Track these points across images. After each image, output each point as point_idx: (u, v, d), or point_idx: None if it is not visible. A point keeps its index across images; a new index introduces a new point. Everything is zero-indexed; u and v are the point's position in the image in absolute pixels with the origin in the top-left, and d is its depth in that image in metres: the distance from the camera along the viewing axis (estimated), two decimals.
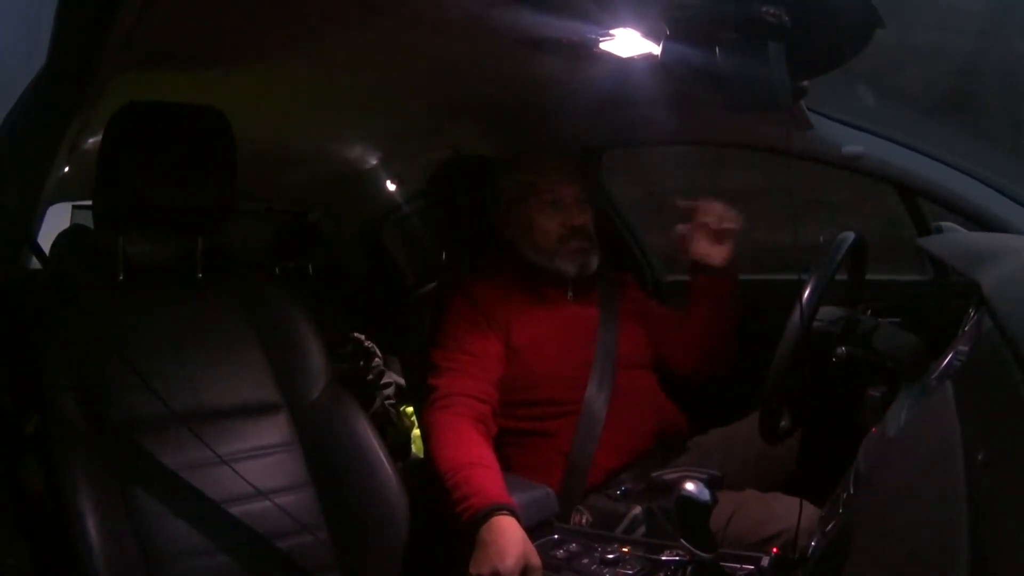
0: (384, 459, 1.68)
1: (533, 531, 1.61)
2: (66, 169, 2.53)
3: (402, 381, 3.21)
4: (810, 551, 1.19)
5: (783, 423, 1.51)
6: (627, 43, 1.69)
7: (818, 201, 3.57)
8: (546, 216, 2.05)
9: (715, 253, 2.00)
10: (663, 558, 1.51)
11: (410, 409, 3.22)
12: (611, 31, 1.65)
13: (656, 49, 1.61)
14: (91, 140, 2.12)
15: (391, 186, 3.31)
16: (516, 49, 1.78)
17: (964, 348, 0.98)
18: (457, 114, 2.50)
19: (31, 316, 1.58)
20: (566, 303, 2.07)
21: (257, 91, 2.09)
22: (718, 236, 1.99)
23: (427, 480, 1.73)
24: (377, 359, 3.42)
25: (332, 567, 1.63)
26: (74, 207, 3.91)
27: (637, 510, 1.77)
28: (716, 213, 1.98)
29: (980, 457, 0.66)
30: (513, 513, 1.58)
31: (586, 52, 1.75)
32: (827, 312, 1.56)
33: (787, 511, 1.54)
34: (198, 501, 1.55)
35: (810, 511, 1.44)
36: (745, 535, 1.65)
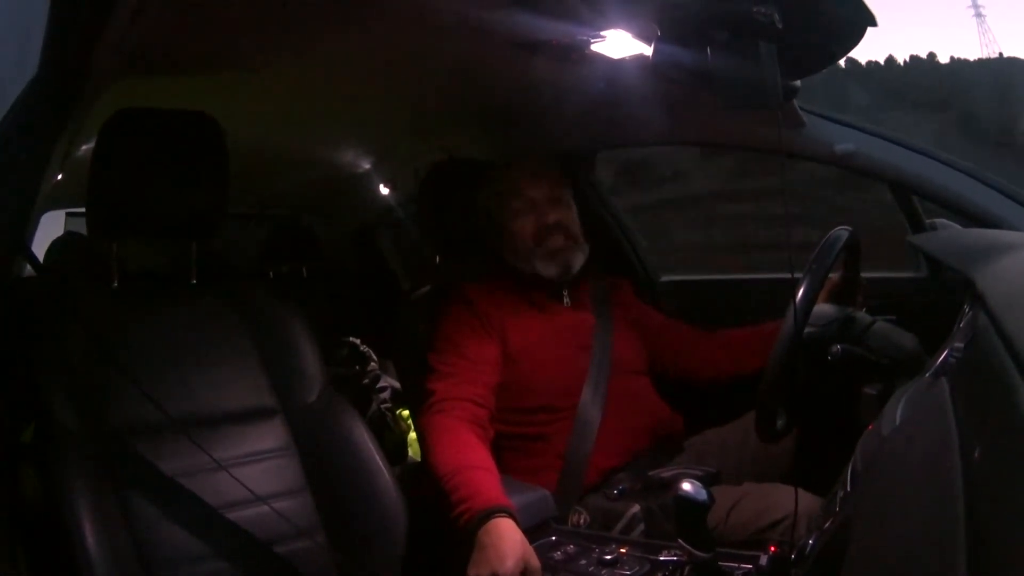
0: (381, 463, 1.67)
1: (531, 533, 1.61)
2: (59, 177, 2.52)
3: (398, 385, 3.21)
4: (808, 549, 1.19)
5: (779, 422, 1.51)
6: (618, 44, 1.69)
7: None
8: (519, 219, 2.05)
9: None
10: (661, 558, 1.51)
11: (406, 413, 3.22)
12: (602, 32, 1.65)
13: (647, 50, 1.61)
14: (84, 147, 2.12)
15: (384, 190, 3.31)
16: (507, 52, 1.78)
17: (959, 345, 0.97)
18: (449, 117, 2.50)
19: (26, 324, 1.58)
20: (561, 309, 2.08)
21: (249, 96, 2.09)
22: None
23: (424, 483, 1.73)
24: (372, 363, 3.42)
25: (330, 571, 1.63)
26: (68, 215, 3.89)
27: (635, 509, 1.77)
28: None
29: (976, 454, 0.66)
30: (511, 515, 1.58)
31: (577, 54, 1.75)
32: (821, 310, 1.56)
33: (786, 499, 1.54)
34: (195, 507, 1.54)
35: (808, 499, 1.45)
36: (745, 525, 1.66)
